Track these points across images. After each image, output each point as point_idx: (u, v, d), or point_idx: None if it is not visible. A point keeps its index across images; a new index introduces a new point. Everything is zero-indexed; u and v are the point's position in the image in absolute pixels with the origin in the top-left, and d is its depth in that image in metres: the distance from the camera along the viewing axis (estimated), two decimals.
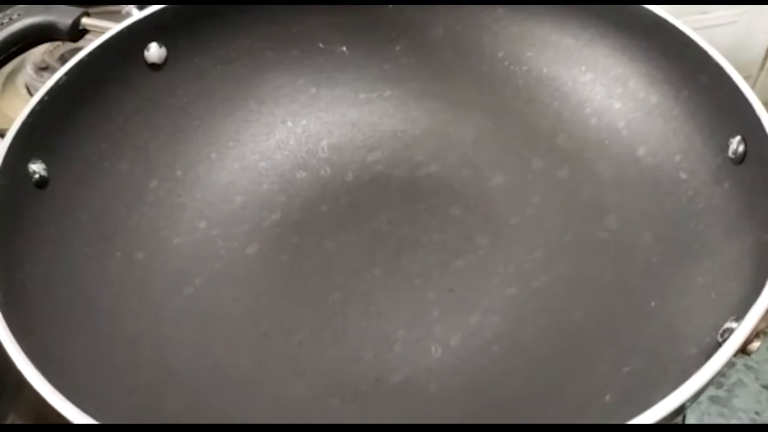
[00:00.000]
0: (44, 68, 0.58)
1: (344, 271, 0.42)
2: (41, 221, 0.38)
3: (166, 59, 0.44)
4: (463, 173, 0.46)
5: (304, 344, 0.39)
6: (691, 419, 0.43)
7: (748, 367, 0.45)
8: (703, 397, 0.43)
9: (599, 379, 0.34)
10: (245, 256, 0.43)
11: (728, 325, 0.29)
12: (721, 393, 0.44)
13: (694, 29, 0.39)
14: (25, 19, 0.44)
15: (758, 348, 0.28)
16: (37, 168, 0.38)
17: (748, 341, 0.28)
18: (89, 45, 0.41)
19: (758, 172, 0.34)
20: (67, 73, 0.40)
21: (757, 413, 0.43)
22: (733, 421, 0.43)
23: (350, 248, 0.43)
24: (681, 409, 0.26)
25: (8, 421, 0.43)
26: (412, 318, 0.40)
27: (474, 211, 0.44)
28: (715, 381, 0.42)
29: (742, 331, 0.27)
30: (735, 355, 0.28)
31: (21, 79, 0.60)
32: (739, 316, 0.28)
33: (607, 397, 0.33)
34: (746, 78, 0.58)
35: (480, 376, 0.37)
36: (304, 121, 0.48)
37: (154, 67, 0.44)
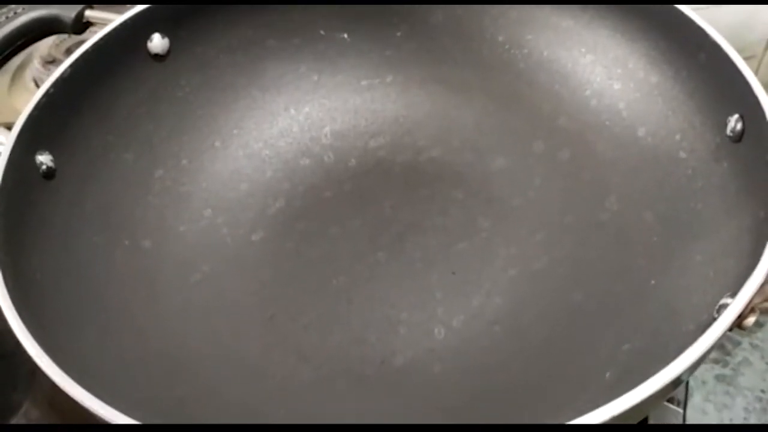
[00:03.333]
0: (51, 61, 0.59)
1: (348, 256, 0.43)
2: (49, 212, 0.38)
3: (169, 50, 0.44)
4: (465, 157, 0.46)
5: (309, 329, 0.40)
6: (697, 398, 0.43)
7: (753, 346, 0.45)
8: (708, 376, 0.44)
9: (600, 358, 0.35)
10: (250, 242, 0.44)
11: (724, 301, 0.29)
12: (726, 371, 0.44)
13: (697, 8, 0.39)
14: (28, 13, 0.44)
15: (753, 322, 0.29)
16: (44, 159, 0.38)
17: (743, 316, 0.28)
18: (93, 37, 0.42)
19: (756, 150, 0.34)
20: (71, 66, 0.40)
21: (762, 391, 0.43)
22: (739, 399, 0.43)
23: (354, 233, 0.44)
24: (677, 382, 0.26)
25: (23, 410, 0.44)
26: (416, 301, 0.41)
27: (476, 194, 0.45)
28: (709, 356, 0.42)
29: (735, 306, 0.27)
30: (730, 329, 0.29)
31: (29, 73, 0.60)
32: (735, 292, 0.28)
33: (607, 375, 0.33)
34: (751, 57, 0.58)
35: (482, 357, 0.38)
36: (306, 109, 0.48)
37: (157, 57, 0.44)
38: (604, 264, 0.39)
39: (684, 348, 0.27)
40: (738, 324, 0.29)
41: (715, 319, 0.28)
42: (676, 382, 0.26)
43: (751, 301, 0.28)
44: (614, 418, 0.26)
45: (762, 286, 0.29)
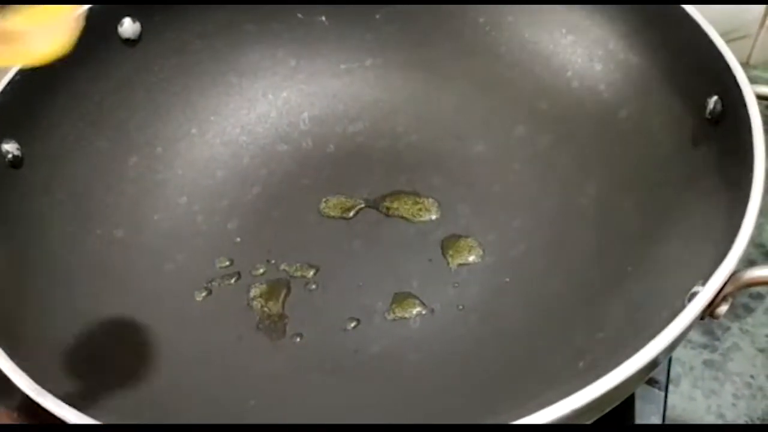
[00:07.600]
0: None
1: (324, 243, 0.42)
2: (16, 201, 0.38)
3: (141, 34, 0.44)
4: (445, 142, 0.45)
5: (283, 317, 0.39)
6: (685, 384, 0.42)
7: (743, 331, 0.45)
8: (697, 362, 0.43)
9: (574, 347, 0.34)
10: (226, 230, 0.43)
11: (695, 288, 0.28)
12: (715, 357, 0.44)
13: None
14: None
15: (725, 312, 0.28)
16: (10, 148, 0.38)
17: (714, 305, 0.27)
18: None
19: (734, 132, 0.33)
20: None
21: (752, 377, 0.43)
22: (728, 385, 0.42)
23: (330, 221, 0.43)
24: (653, 364, 0.26)
25: None
26: (391, 289, 0.40)
27: (455, 180, 0.44)
28: (698, 341, 0.42)
29: (705, 294, 0.26)
30: (702, 318, 0.28)
31: None
32: (706, 280, 0.27)
33: (581, 364, 0.32)
34: (746, 37, 0.57)
35: (458, 346, 0.37)
36: (285, 94, 0.48)
37: (129, 42, 0.43)
38: (582, 250, 0.38)
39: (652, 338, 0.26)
40: (710, 313, 0.28)
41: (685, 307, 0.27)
42: (652, 365, 0.26)
43: (723, 290, 0.27)
44: (583, 407, 0.25)
45: (735, 274, 0.28)
